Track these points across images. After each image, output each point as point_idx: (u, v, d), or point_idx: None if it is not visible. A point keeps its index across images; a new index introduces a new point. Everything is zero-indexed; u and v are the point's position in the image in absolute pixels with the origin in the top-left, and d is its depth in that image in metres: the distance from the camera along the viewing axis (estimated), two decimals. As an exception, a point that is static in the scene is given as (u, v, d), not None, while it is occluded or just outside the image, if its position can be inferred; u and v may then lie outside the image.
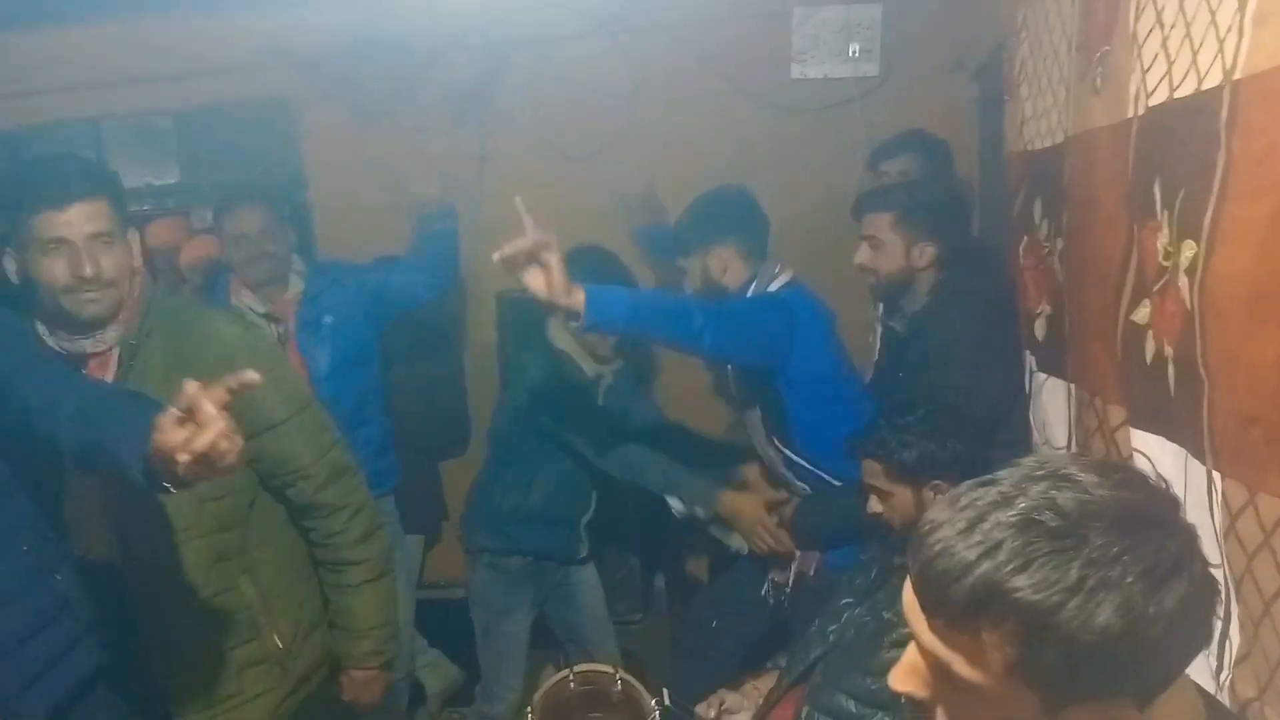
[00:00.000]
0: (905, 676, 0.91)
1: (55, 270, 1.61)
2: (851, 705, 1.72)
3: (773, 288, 2.48)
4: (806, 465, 2.44)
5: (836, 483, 2.33)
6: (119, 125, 3.75)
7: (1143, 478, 0.88)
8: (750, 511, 2.42)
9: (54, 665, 1.65)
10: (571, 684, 2.10)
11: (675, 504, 2.51)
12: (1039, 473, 0.85)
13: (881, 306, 2.52)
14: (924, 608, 0.84)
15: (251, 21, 3.43)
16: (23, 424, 1.48)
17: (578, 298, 1.84)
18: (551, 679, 2.12)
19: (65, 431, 1.43)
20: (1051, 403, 2.01)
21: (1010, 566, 0.79)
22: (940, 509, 0.88)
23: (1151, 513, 0.83)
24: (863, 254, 2.39)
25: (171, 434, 1.22)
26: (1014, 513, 0.82)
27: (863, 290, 2.59)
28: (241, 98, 3.59)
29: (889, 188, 2.57)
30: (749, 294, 2.48)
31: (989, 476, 0.87)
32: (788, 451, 2.46)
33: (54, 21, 3.45)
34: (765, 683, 2.05)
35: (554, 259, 1.82)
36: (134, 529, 1.75)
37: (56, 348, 1.69)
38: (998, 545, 0.80)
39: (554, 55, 3.34)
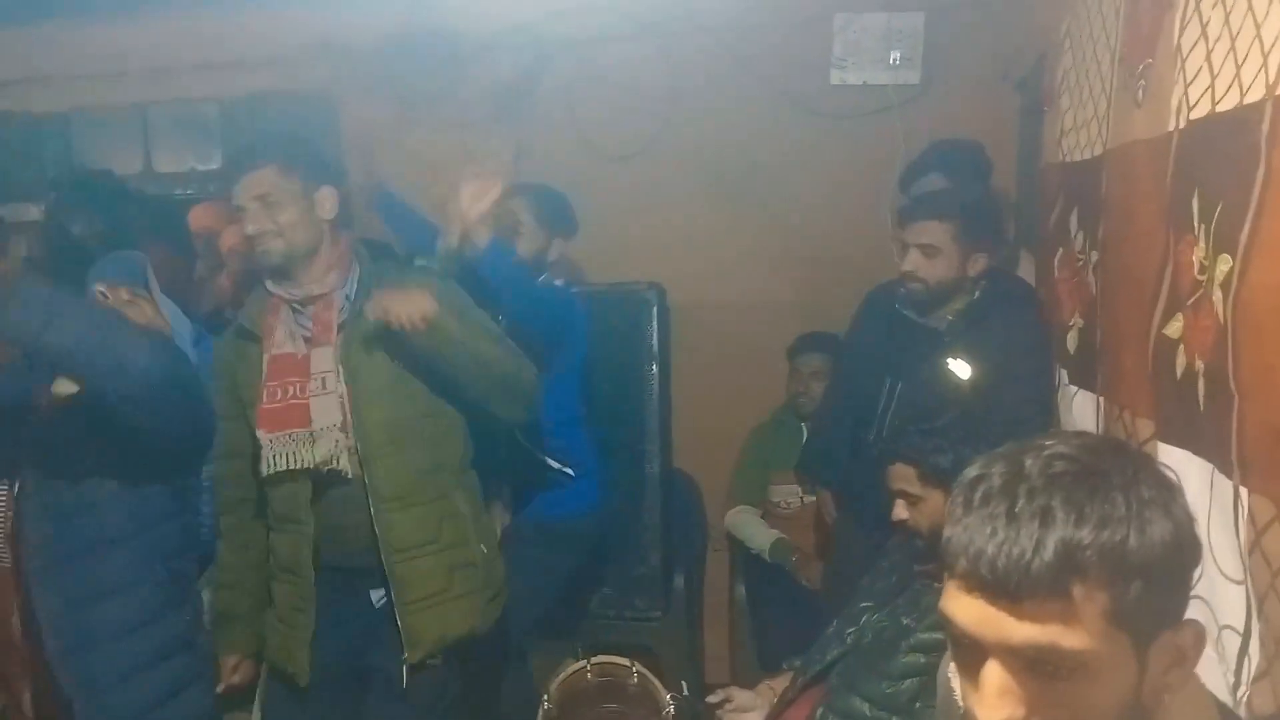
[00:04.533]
0: (997, 703, 0.86)
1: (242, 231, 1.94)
2: (866, 709, 1.72)
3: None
4: None
5: None
6: (165, 111, 3.82)
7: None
8: None
9: (164, 704, 1.73)
10: (588, 674, 2.12)
11: None
12: (1012, 452, 0.88)
13: (912, 309, 2.47)
14: (1008, 598, 0.83)
15: (298, 14, 3.49)
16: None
17: None
18: (569, 668, 2.14)
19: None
20: (1081, 416, 2.00)
21: (1070, 520, 0.81)
22: (962, 520, 0.87)
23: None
24: (914, 260, 2.35)
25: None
26: (1035, 480, 0.84)
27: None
28: (286, 89, 3.65)
29: (945, 195, 2.53)
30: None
31: (972, 475, 0.88)
32: None
33: (108, 11, 3.53)
34: (779, 683, 2.05)
35: None
36: (372, 441, 1.93)
37: (287, 296, 1.96)
38: (1047, 509, 0.82)
39: (595, 56, 3.37)
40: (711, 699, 1.96)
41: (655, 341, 3.22)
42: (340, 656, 1.95)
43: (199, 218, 3.61)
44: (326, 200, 1.93)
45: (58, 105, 3.80)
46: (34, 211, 3.57)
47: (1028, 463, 0.86)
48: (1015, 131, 3.17)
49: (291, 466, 1.89)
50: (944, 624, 0.90)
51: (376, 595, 1.95)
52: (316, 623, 1.90)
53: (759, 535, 3.11)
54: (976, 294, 2.34)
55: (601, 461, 2.78)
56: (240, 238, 3.47)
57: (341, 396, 1.90)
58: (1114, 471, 0.84)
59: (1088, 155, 2.02)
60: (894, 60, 3.29)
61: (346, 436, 1.91)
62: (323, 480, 1.94)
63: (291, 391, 1.91)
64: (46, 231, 2.98)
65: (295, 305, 1.96)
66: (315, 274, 1.95)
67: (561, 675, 2.11)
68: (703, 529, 3.45)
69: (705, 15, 3.26)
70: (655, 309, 3.21)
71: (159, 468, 1.72)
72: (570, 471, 2.54)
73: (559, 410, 2.59)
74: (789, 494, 3.15)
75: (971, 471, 0.89)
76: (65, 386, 1.61)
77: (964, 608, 0.86)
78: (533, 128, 3.42)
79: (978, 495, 0.86)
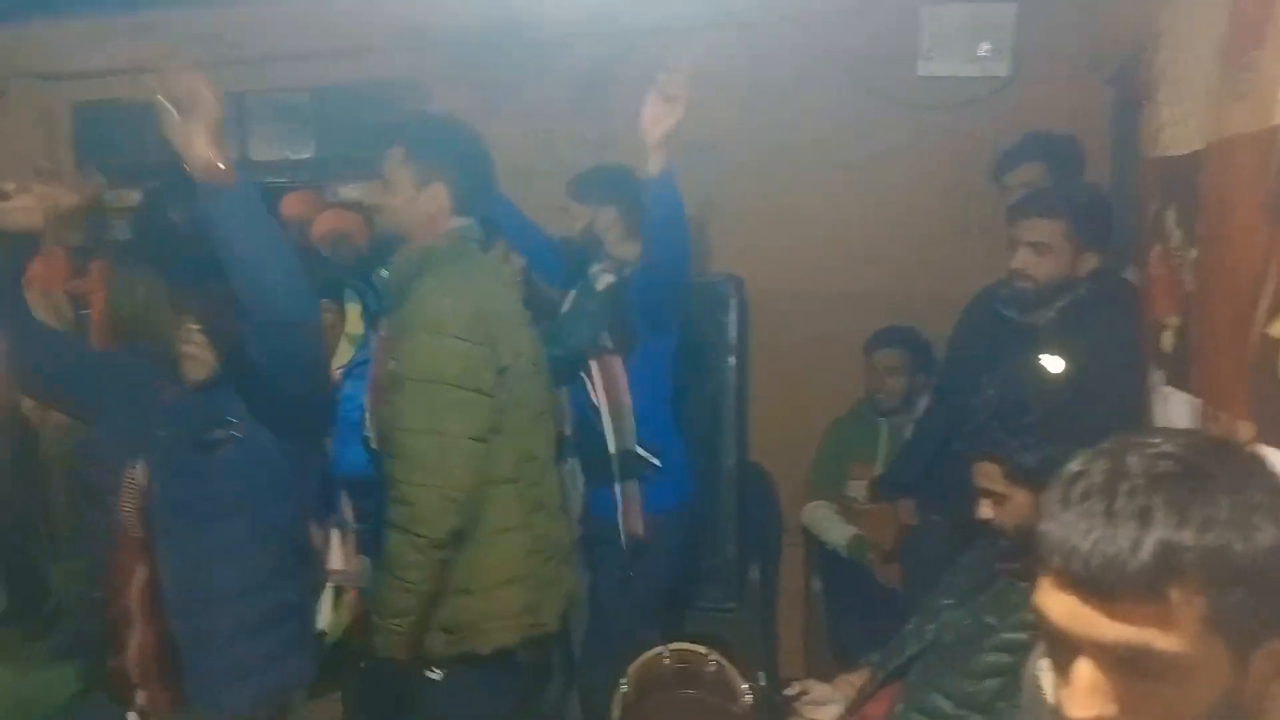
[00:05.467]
0: (1087, 700, 0.85)
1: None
2: (948, 706, 1.71)
3: None
4: None
5: None
6: (260, 100, 3.94)
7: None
8: None
9: (266, 668, 1.80)
10: (666, 660, 2.15)
11: None
12: (1116, 448, 0.86)
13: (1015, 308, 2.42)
14: (1102, 597, 0.82)
15: (388, 3, 3.57)
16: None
17: None
18: (647, 653, 2.17)
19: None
20: (1176, 417, 1.96)
21: (1172, 522, 0.80)
22: (1058, 515, 0.87)
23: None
24: (1024, 259, 2.30)
25: None
26: (1137, 478, 0.83)
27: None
28: (376, 77, 3.73)
29: (1059, 192, 2.47)
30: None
31: (1073, 469, 0.88)
32: None
33: (207, 1, 3.65)
34: (857, 678, 2.05)
35: None
36: None
37: None
38: (1147, 509, 0.81)
39: (678, 45, 3.37)
40: (789, 691, 1.96)
41: (733, 333, 3.23)
42: None
43: (291, 206, 3.72)
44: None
45: (148, 94, 3.93)
46: (135, 197, 3.73)
47: (1131, 460, 0.84)
48: (1107, 126, 3.10)
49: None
50: (1036, 618, 0.89)
51: None
52: None
53: (835, 531, 3.10)
54: (1081, 292, 2.29)
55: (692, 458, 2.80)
56: (330, 227, 3.59)
57: None
58: (1221, 474, 0.82)
59: (1186, 150, 1.96)
60: (983, 52, 3.23)
61: None
62: None
63: None
64: (146, 215, 3.11)
65: None
66: None
67: (640, 660, 2.14)
68: (778, 522, 3.45)
69: (790, 5, 3.25)
70: (733, 300, 3.22)
71: (284, 430, 1.79)
72: (657, 462, 2.54)
73: (650, 396, 2.58)
74: (865, 489, 3.13)
75: (1073, 465, 0.88)
76: None
77: (1057, 604, 0.86)
78: (614, 117, 3.45)
79: (1077, 490, 0.86)
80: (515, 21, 3.42)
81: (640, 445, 2.51)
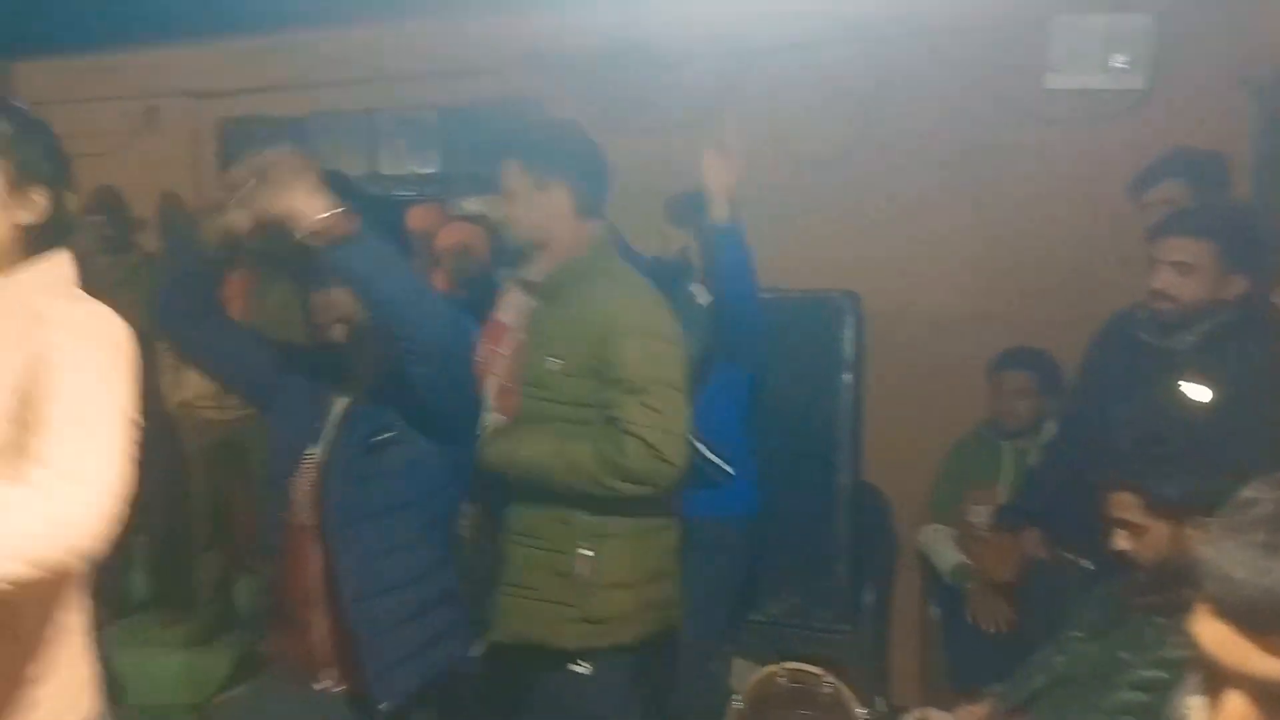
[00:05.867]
0: None
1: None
2: (1078, 742, 1.67)
3: None
4: None
5: None
6: (390, 117, 4.09)
7: None
8: None
9: (429, 649, 1.91)
10: (781, 679, 2.15)
11: None
12: None
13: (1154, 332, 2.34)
14: (1255, 630, 0.81)
15: (513, 24, 3.67)
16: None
17: None
18: (761, 672, 2.17)
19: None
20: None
21: None
22: (1218, 542, 0.85)
23: None
24: (1165, 279, 2.20)
25: None
26: None
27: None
28: (498, 96, 3.83)
29: (1206, 210, 2.37)
30: None
31: (1244, 497, 0.86)
32: None
33: (341, 22, 3.81)
34: (979, 709, 2.01)
35: None
36: None
37: None
38: None
39: (798, 60, 3.37)
40: (907, 718, 1.94)
41: (849, 350, 3.19)
42: None
43: (417, 219, 3.85)
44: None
45: (296, 110, 4.14)
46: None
47: None
48: (1251, 141, 2.96)
49: None
50: (1190, 644, 0.88)
51: None
52: None
53: (945, 556, 3.03)
54: (1227, 317, 2.19)
55: (763, 468, 2.76)
56: (453, 240, 3.70)
57: None
58: None
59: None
60: (1116, 64, 3.12)
61: None
62: None
63: None
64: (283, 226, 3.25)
65: None
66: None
67: (756, 677, 2.14)
68: (892, 544, 3.39)
69: (912, 17, 3.20)
70: (851, 317, 3.19)
71: (438, 438, 1.92)
72: (730, 469, 2.51)
73: (721, 409, 2.58)
74: (986, 514, 3.04)
75: (1245, 493, 0.86)
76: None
77: (1211, 632, 0.84)
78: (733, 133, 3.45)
79: (1242, 519, 0.84)
80: (636, 40, 3.47)
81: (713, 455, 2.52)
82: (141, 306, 3.60)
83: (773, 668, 2.17)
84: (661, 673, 2.10)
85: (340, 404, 1.93)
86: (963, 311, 3.21)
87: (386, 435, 1.86)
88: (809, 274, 3.20)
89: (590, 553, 1.93)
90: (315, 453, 1.90)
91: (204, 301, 1.93)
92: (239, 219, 1.68)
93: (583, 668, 1.95)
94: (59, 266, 1.36)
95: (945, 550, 3.04)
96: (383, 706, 1.85)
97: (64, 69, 4.43)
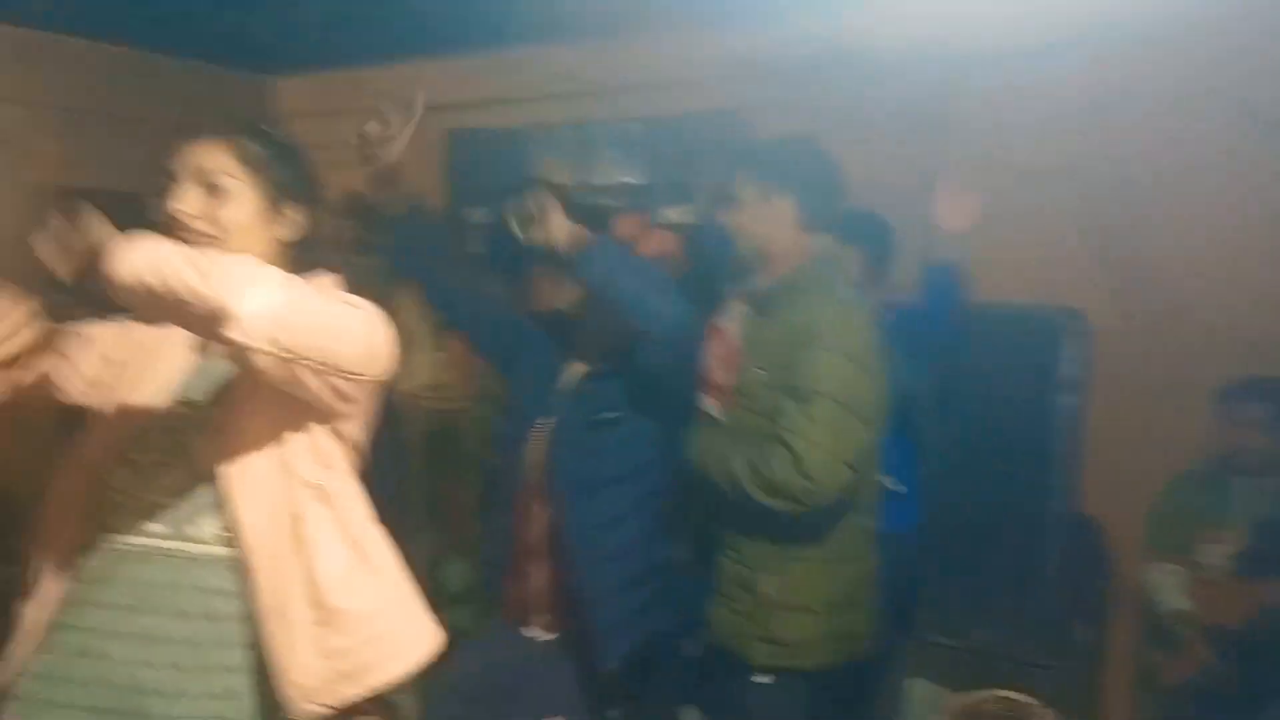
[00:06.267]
0: None
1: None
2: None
3: None
4: None
5: None
6: (601, 129, 4.23)
7: None
8: None
9: (647, 612, 2.05)
10: (989, 705, 2.07)
11: None
12: None
13: None
14: None
15: (721, 37, 3.71)
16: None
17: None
18: (969, 697, 2.10)
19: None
20: None
21: None
22: None
23: None
24: None
25: None
26: None
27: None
28: (706, 108, 3.89)
29: None
30: None
31: None
32: None
33: (555, 40, 3.97)
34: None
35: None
36: None
37: None
38: None
39: (1017, 67, 3.24)
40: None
41: (1066, 370, 3.03)
42: None
43: (621, 227, 3.96)
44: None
45: (514, 122, 4.35)
46: (481, 214, 4.14)
47: None
48: None
49: None
50: None
51: None
52: None
53: (1166, 598, 2.80)
54: None
55: (967, 489, 2.72)
56: (655, 248, 3.77)
57: None
58: None
59: None
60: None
61: None
62: None
63: None
64: (497, 232, 3.44)
65: None
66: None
67: (964, 700, 2.07)
68: (1109, 579, 3.18)
69: (1144, 24, 3.01)
70: (1070, 335, 3.03)
71: (657, 418, 2.06)
72: (902, 487, 2.48)
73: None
74: (1217, 555, 2.79)
75: None
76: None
77: None
78: (947, 144, 3.35)
79: None
80: (844, 49, 3.43)
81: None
82: (385, 300, 3.90)
83: (983, 694, 2.09)
84: (845, 693, 2.07)
85: (573, 379, 2.08)
86: (1198, 334, 2.98)
87: (613, 415, 2.01)
88: (1029, 289, 3.07)
89: (776, 574, 1.96)
90: (548, 422, 2.05)
91: (458, 276, 2.19)
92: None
93: (764, 679, 1.98)
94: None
95: (1169, 593, 2.82)
96: (602, 665, 2.00)
97: (321, 84, 4.86)
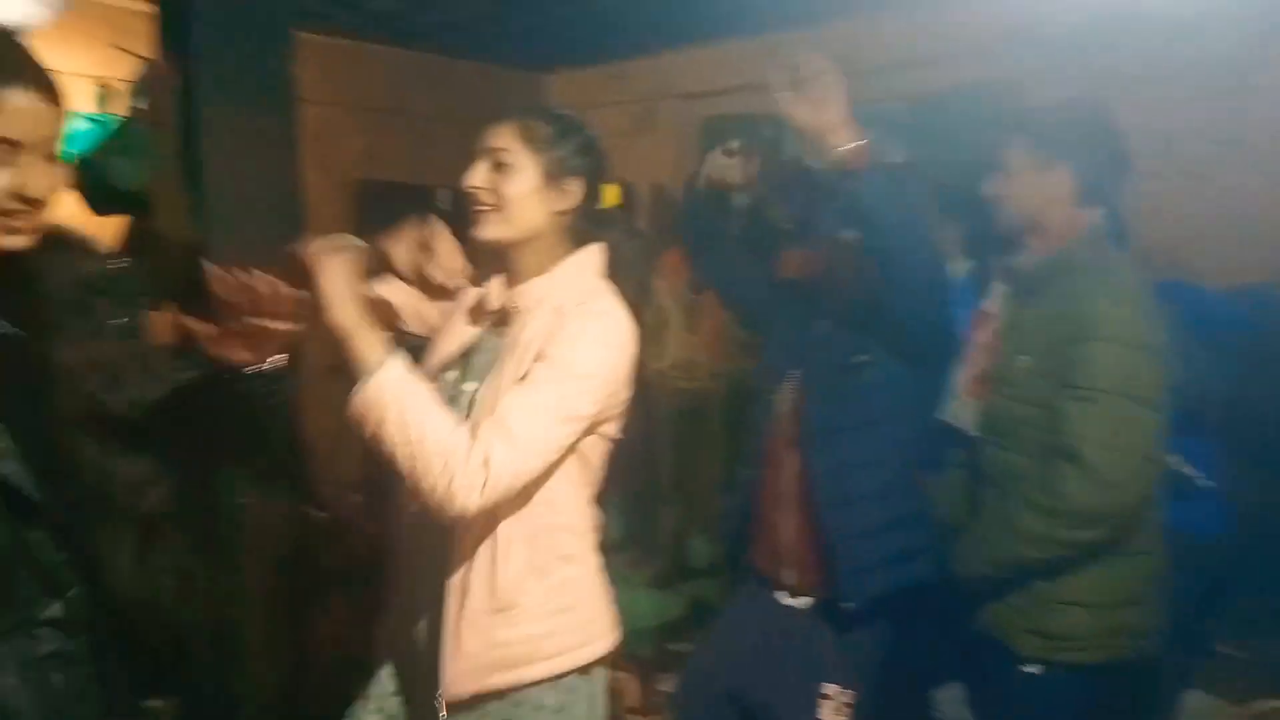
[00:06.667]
0: None
1: None
2: None
3: None
4: None
5: None
6: (860, 110, 4.15)
7: None
8: None
9: (899, 562, 1.99)
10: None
11: None
12: None
13: None
14: None
15: (984, 7, 3.55)
16: None
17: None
18: (1254, 706, 1.91)
19: None
20: None
21: None
22: None
23: None
24: None
25: None
26: None
27: None
28: (972, 82, 3.73)
29: None
30: None
31: None
32: None
33: (812, 22, 3.94)
34: None
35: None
36: None
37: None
38: None
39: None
40: None
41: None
42: None
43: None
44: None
45: (772, 108, 4.36)
46: (739, 199, 4.20)
47: None
48: None
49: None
50: None
51: None
52: None
53: None
54: None
55: (1235, 486, 2.40)
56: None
57: None
58: None
59: None
60: None
61: None
62: None
63: None
64: (751, 213, 3.49)
65: None
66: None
67: (1248, 712, 1.87)
68: None
69: None
70: None
71: (912, 363, 1.99)
72: (1208, 481, 2.27)
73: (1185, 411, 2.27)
74: None
75: None
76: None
77: None
78: (1253, 107, 3.03)
79: None
80: (1126, 12, 3.19)
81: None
82: (644, 283, 4.09)
83: (1270, 705, 1.89)
84: (1118, 692, 1.94)
85: (822, 327, 2.06)
86: None
87: (863, 358, 1.96)
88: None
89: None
90: (798, 374, 2.06)
91: (717, 231, 2.22)
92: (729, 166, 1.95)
93: (1033, 669, 1.86)
94: (591, 257, 1.56)
95: None
96: (847, 605, 1.95)
97: (586, 78, 5.13)
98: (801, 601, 2.06)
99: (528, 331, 1.48)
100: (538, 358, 1.44)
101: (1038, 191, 1.89)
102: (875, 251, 1.82)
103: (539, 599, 1.49)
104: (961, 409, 2.17)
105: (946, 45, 3.76)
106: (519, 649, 1.49)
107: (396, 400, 1.32)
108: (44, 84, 1.04)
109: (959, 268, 2.73)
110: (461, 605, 1.48)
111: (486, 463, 1.33)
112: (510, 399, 1.40)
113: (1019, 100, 3.52)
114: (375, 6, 4.19)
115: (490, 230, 1.52)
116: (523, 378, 1.43)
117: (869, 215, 1.77)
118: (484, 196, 1.51)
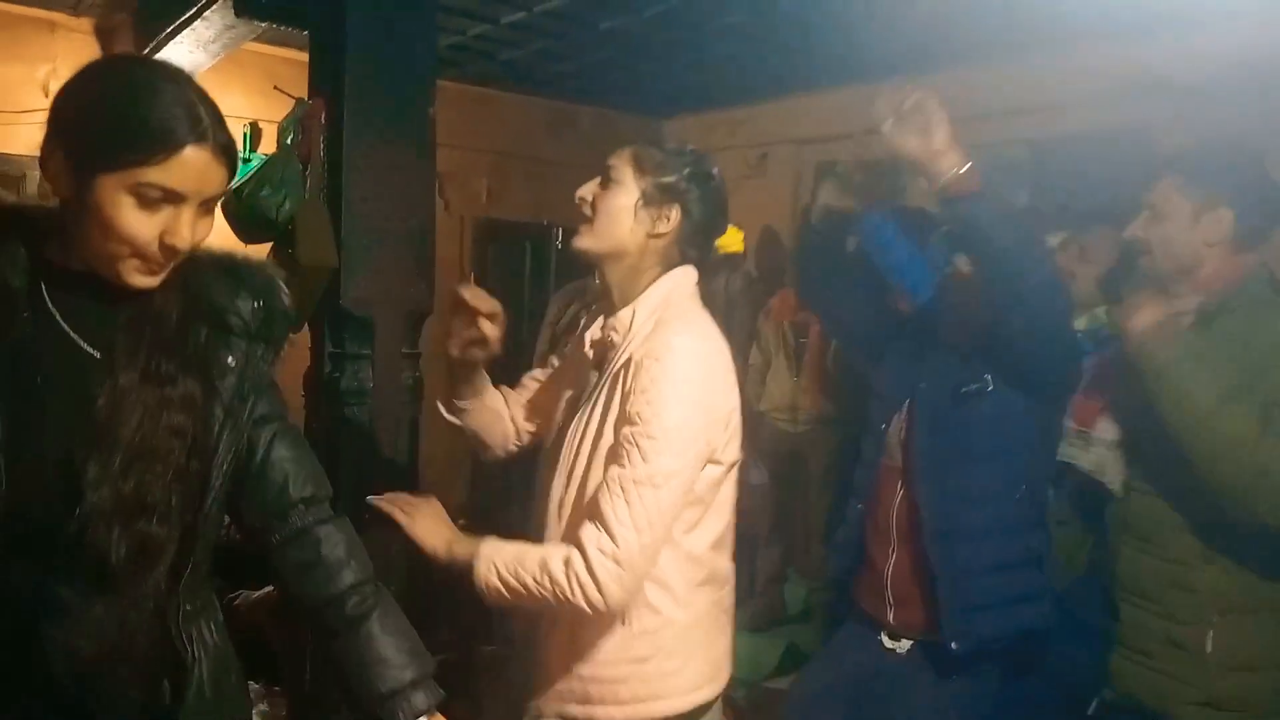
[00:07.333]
0: None
1: None
2: None
3: None
4: None
5: None
6: (982, 154, 4.11)
7: None
8: None
9: (1011, 605, 1.91)
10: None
11: None
12: None
13: None
14: None
15: (1114, 53, 3.50)
16: None
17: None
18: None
19: None
20: None
21: None
22: None
23: None
24: None
25: None
26: None
27: None
28: (1099, 128, 3.68)
29: None
30: None
31: None
32: None
33: (930, 69, 3.93)
34: None
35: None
36: None
37: None
38: None
39: None
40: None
41: None
42: None
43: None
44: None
45: (880, 152, 4.35)
46: (850, 242, 4.19)
47: None
48: None
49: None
50: None
51: None
52: None
53: None
54: None
55: None
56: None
57: None
58: None
59: None
60: None
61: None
62: None
63: None
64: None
65: None
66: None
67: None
68: None
69: None
70: None
71: (1030, 392, 1.89)
72: None
73: None
74: None
75: None
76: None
77: None
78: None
79: None
80: (1259, 65, 3.10)
81: None
82: (748, 321, 4.08)
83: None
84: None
85: (935, 356, 2.00)
86: None
87: (975, 386, 1.89)
88: None
89: (1219, 629, 1.72)
90: (909, 404, 2.00)
91: (830, 261, 2.16)
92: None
93: None
94: (680, 280, 1.57)
95: None
96: (954, 646, 1.86)
97: (703, 124, 5.24)
98: (903, 645, 1.99)
99: (618, 363, 1.52)
100: (621, 420, 1.46)
101: (1194, 233, 1.80)
102: (991, 276, 1.76)
103: (617, 644, 1.51)
104: (1080, 451, 2.05)
105: (1069, 91, 3.71)
106: (594, 688, 1.52)
107: (505, 565, 1.44)
108: (222, 144, 1.07)
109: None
110: (552, 627, 1.55)
111: (597, 561, 1.39)
112: (603, 488, 1.44)
113: (1147, 148, 3.45)
114: (505, 56, 4.39)
115: (581, 240, 1.58)
116: (612, 445, 1.47)
117: (982, 239, 1.71)
118: (584, 208, 1.58)
